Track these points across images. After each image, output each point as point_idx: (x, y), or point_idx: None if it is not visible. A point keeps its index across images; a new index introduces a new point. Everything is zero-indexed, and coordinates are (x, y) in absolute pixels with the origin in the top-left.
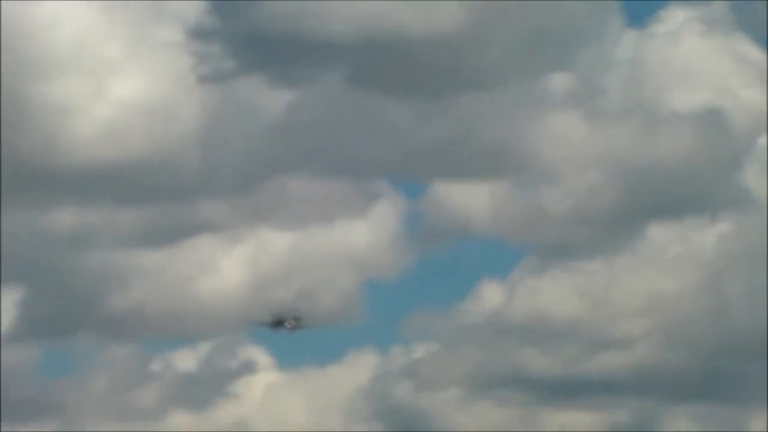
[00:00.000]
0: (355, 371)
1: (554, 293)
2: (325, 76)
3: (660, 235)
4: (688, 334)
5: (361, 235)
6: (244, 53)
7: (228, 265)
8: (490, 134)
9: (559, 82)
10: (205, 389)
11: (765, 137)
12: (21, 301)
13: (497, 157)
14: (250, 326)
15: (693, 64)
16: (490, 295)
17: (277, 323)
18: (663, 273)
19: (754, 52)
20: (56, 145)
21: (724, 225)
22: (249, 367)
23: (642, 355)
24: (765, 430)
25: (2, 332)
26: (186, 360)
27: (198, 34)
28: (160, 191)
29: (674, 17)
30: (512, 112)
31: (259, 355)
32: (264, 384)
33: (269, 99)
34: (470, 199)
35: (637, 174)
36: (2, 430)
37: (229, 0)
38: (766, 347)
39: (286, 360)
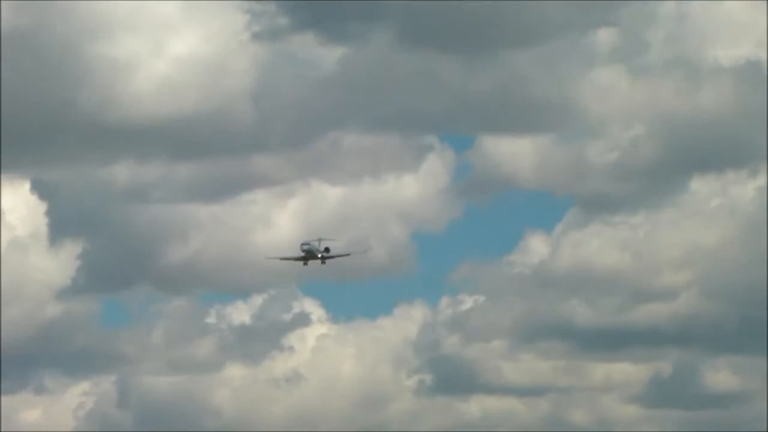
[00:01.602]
0: (405, 323)
1: (598, 245)
2: (375, 33)
3: (701, 188)
4: (729, 286)
5: (410, 188)
6: (296, 11)
7: (281, 219)
8: (536, 89)
9: (604, 37)
10: (259, 341)
11: None
12: (81, 254)
13: (543, 112)
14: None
15: (734, 18)
16: (535, 247)
17: (308, 256)
18: (704, 225)
19: None
20: (115, 102)
21: (764, 178)
22: (302, 320)
23: (683, 307)
24: None
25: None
26: (241, 312)
27: None
28: (215, 146)
29: None
30: (558, 67)
31: (311, 307)
32: (316, 336)
33: (321, 55)
34: (516, 152)
35: (680, 128)
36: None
37: None
38: None
39: (338, 312)
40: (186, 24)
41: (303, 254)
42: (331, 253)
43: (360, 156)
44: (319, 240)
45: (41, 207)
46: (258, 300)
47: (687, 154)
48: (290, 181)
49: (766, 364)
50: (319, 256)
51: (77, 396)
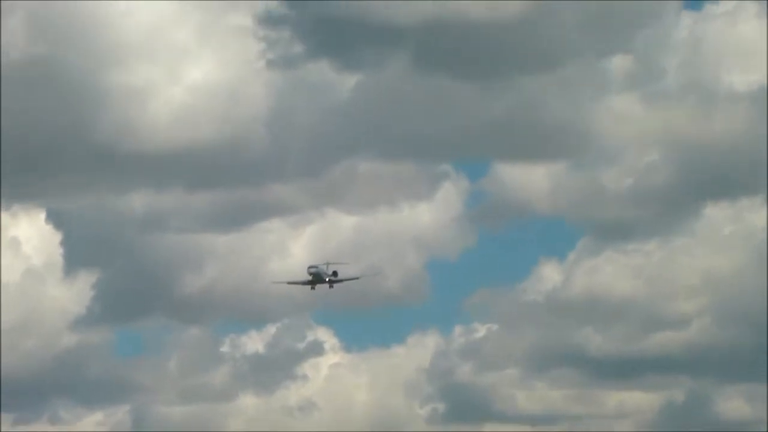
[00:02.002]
0: (418, 351)
1: (611, 273)
2: (390, 60)
3: (715, 215)
4: (743, 313)
5: (424, 216)
6: (311, 38)
7: (296, 248)
8: (551, 115)
9: (619, 63)
10: (273, 370)
11: None
12: (95, 283)
13: (557, 138)
14: (287, 285)
15: (749, 44)
16: (549, 274)
17: (315, 280)
18: (717, 252)
19: None
20: (131, 130)
21: None
22: (315, 349)
23: (697, 334)
24: None
25: (78, 314)
26: (255, 342)
27: (267, 19)
28: (231, 175)
29: None
30: (572, 94)
31: (325, 336)
32: (330, 365)
33: (336, 83)
34: (531, 179)
35: (694, 154)
36: (2, 430)
37: None
38: None
39: (352, 341)
40: (202, 51)
41: (310, 278)
42: (340, 277)
43: (375, 184)
44: (327, 264)
45: (56, 237)
46: (272, 329)
47: (701, 181)
48: (305, 209)
49: None
50: (327, 279)
51: (92, 426)
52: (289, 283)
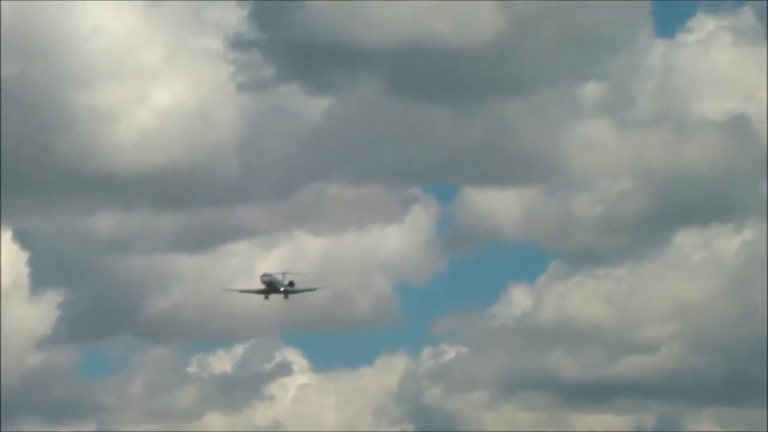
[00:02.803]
0: (387, 373)
1: (581, 298)
2: (362, 83)
3: (686, 242)
4: (713, 339)
5: (394, 240)
6: (282, 61)
7: (264, 269)
8: (523, 141)
9: (591, 90)
10: (240, 391)
11: None
12: (62, 303)
13: (529, 164)
14: (240, 295)
15: (721, 73)
16: (519, 299)
17: (270, 289)
18: (688, 279)
19: None
20: (98, 151)
21: (749, 232)
22: (283, 369)
23: (667, 360)
24: None
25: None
26: (222, 362)
27: (237, 42)
28: (198, 197)
29: (703, 27)
30: (544, 120)
31: (293, 357)
32: (297, 386)
33: (306, 106)
34: (501, 204)
35: (665, 182)
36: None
37: (268, 9)
38: None
39: (319, 362)
40: (170, 74)
41: (263, 287)
42: (296, 288)
43: (344, 207)
44: (284, 273)
45: (23, 256)
46: (239, 349)
47: (672, 208)
48: (274, 231)
49: (749, 415)
50: (282, 290)
51: None
52: (241, 291)
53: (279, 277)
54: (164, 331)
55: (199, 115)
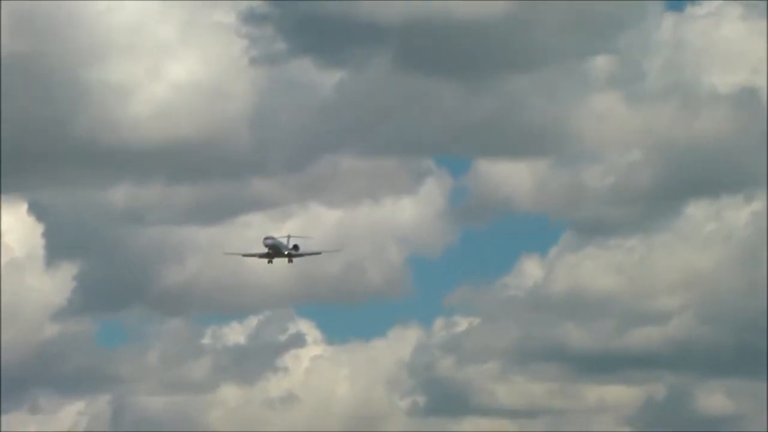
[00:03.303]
0: (399, 345)
1: (593, 269)
2: (373, 58)
3: (696, 213)
4: (723, 310)
5: (407, 212)
6: (294, 36)
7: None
8: (534, 114)
9: (601, 63)
10: (254, 362)
11: None
12: (77, 275)
13: (540, 136)
14: (253, 266)
15: (731, 46)
16: (531, 270)
17: (273, 253)
18: (698, 250)
19: None
20: (113, 125)
21: (758, 203)
22: (297, 341)
23: (678, 330)
24: None
25: (59, 306)
26: (236, 333)
27: (250, 17)
28: (213, 169)
29: (712, 0)
30: (555, 93)
31: (306, 328)
32: (311, 357)
33: (319, 80)
34: (513, 176)
35: (675, 154)
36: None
37: None
38: None
39: (333, 334)
40: (184, 48)
41: (267, 250)
42: (300, 251)
43: (357, 179)
44: (288, 237)
45: (38, 228)
46: (253, 321)
47: (683, 180)
48: (288, 203)
49: (760, 387)
50: (286, 253)
51: (72, 415)
52: (244, 255)
53: (283, 241)
54: (179, 303)
55: (213, 89)
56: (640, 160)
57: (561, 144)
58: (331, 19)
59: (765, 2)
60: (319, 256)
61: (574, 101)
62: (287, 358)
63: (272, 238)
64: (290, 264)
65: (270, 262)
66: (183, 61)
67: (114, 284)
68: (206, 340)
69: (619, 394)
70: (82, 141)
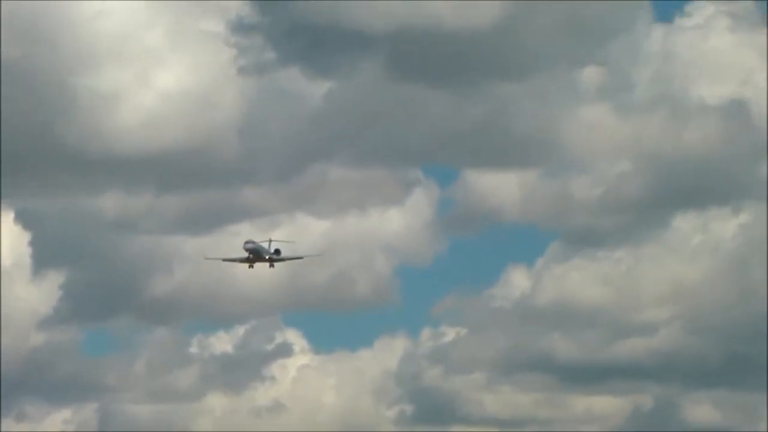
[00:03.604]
0: (386, 355)
1: (580, 280)
2: (362, 67)
3: (684, 224)
4: (711, 322)
5: (395, 222)
6: (283, 45)
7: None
8: (522, 124)
9: (590, 74)
10: (241, 371)
11: None
12: (64, 284)
13: (528, 147)
14: (223, 264)
15: (720, 57)
16: (518, 280)
17: (254, 257)
18: (686, 262)
19: None
20: (101, 133)
21: (746, 215)
22: (284, 350)
23: (665, 342)
24: None
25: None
26: (223, 342)
27: (239, 26)
28: (201, 179)
29: (701, 12)
30: (544, 103)
31: (293, 338)
32: (298, 366)
33: (307, 89)
34: (501, 186)
35: (664, 165)
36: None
37: None
38: None
39: (320, 343)
40: (172, 57)
41: (247, 255)
42: (281, 256)
43: (345, 189)
44: (270, 241)
45: (25, 237)
46: (240, 330)
47: (670, 191)
48: (275, 213)
49: (747, 398)
50: (267, 258)
51: (58, 424)
52: (225, 260)
53: (264, 245)
54: (166, 312)
55: (201, 98)
56: (629, 171)
57: (550, 154)
58: (319, 28)
59: (754, 14)
60: (302, 260)
61: (563, 111)
62: (274, 368)
63: (252, 242)
64: (276, 272)
65: (251, 266)
66: (171, 70)
67: (101, 293)
68: (193, 349)
69: (606, 404)
70: (71, 149)
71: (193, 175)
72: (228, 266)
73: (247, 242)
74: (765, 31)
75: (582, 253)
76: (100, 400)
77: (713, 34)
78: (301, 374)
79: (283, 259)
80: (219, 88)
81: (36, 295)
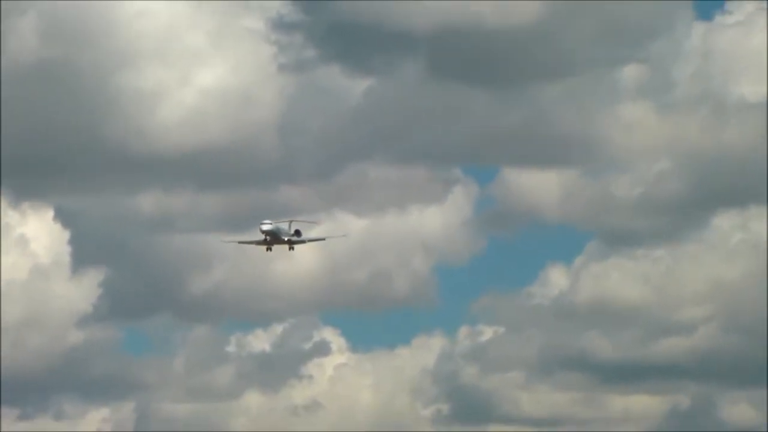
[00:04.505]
0: (423, 353)
1: (618, 279)
2: (402, 65)
3: (723, 223)
4: (749, 321)
5: (434, 220)
6: (323, 43)
7: (304, 248)
8: (563, 123)
9: (631, 72)
10: (278, 370)
11: None
12: (102, 281)
13: (568, 146)
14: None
15: (760, 55)
16: (556, 279)
17: (272, 240)
18: (725, 261)
19: None
20: (142, 132)
21: None
22: (321, 349)
23: (703, 341)
24: None
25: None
26: (261, 341)
27: (279, 24)
28: (241, 177)
29: (742, 9)
30: (584, 102)
31: (331, 336)
32: (335, 365)
33: (347, 87)
34: (540, 185)
35: (704, 164)
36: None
37: None
38: None
39: (357, 342)
40: (213, 55)
41: (264, 237)
42: (302, 238)
43: (385, 188)
44: (290, 222)
45: (64, 235)
46: (278, 329)
47: (710, 190)
48: (315, 212)
49: None
50: (286, 239)
51: (96, 422)
52: (240, 242)
53: (283, 226)
54: (204, 311)
55: (242, 95)
56: (669, 170)
57: (589, 153)
58: (360, 26)
59: None
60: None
61: (603, 110)
62: (311, 366)
63: (269, 222)
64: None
65: (269, 249)
66: (212, 68)
67: (140, 291)
68: (231, 348)
69: (643, 404)
70: (111, 147)
71: (233, 173)
72: (266, 264)
73: (263, 223)
74: None
75: (620, 252)
76: (138, 399)
77: (754, 31)
78: (338, 373)
79: (303, 241)
80: (259, 86)
81: (75, 294)
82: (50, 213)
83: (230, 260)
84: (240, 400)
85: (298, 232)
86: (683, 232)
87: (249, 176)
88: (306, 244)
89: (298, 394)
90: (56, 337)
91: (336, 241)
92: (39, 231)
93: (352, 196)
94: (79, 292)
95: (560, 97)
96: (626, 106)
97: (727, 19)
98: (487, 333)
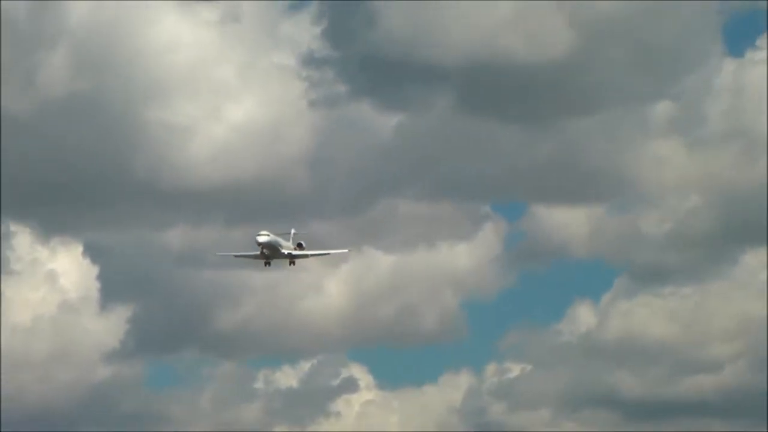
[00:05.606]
0: (450, 390)
1: (646, 315)
2: (433, 100)
3: (752, 261)
4: None
5: (463, 256)
6: (354, 78)
7: (332, 285)
8: (593, 159)
9: (661, 108)
10: (306, 406)
11: None
12: (131, 317)
13: (598, 182)
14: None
15: None
16: (584, 316)
17: (270, 253)
18: (754, 298)
19: None
20: (172, 166)
21: None
22: (349, 386)
23: (731, 379)
24: None
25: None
26: (288, 377)
27: (310, 59)
28: (270, 212)
29: None
30: (614, 138)
31: (359, 373)
32: (362, 402)
33: (378, 122)
34: (569, 221)
35: (734, 200)
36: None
37: (341, 27)
38: None
39: (384, 379)
40: (244, 90)
41: (261, 250)
42: (305, 251)
43: (414, 224)
44: (292, 234)
45: (93, 270)
46: (306, 365)
47: (739, 227)
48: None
49: None
50: (287, 254)
51: None
52: (237, 256)
53: (281, 239)
54: (232, 347)
55: (272, 130)
56: (698, 207)
57: (619, 188)
58: (390, 61)
59: None
60: (328, 256)
61: (632, 145)
62: (339, 403)
63: (266, 234)
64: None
65: (267, 264)
66: (243, 103)
67: (167, 327)
68: (258, 384)
69: None
70: (141, 182)
71: (262, 208)
72: (295, 300)
73: (259, 234)
74: None
75: (649, 289)
76: None
77: None
78: (366, 410)
79: (306, 255)
80: (289, 121)
81: (103, 329)
82: (79, 248)
83: (258, 296)
84: None
85: (300, 245)
86: (712, 269)
87: (277, 210)
88: (309, 258)
89: (326, 430)
90: (84, 372)
91: (364, 277)
92: (68, 266)
93: (380, 231)
94: (107, 328)
95: (590, 133)
96: (656, 142)
97: (758, 55)
98: (515, 370)
